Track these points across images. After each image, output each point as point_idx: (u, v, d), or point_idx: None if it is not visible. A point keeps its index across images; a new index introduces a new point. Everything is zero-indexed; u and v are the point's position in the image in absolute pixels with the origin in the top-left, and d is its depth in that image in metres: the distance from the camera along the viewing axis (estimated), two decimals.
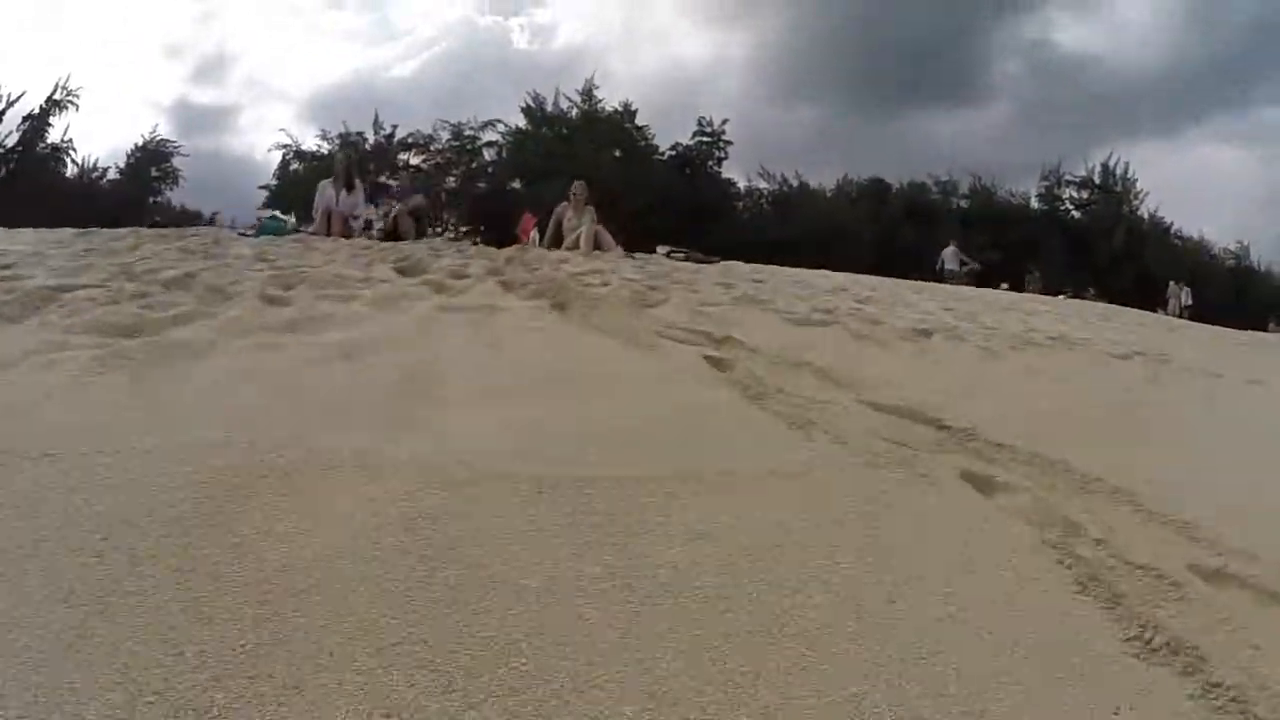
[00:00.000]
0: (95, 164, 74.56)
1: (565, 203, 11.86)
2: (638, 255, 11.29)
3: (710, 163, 68.18)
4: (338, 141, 70.88)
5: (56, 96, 65.79)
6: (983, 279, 35.15)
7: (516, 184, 65.11)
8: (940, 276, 28.21)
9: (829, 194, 77.96)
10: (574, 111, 66.84)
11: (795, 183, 77.47)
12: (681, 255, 12.43)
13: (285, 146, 70.94)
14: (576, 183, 11.76)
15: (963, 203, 78.86)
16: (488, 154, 68.51)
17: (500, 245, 53.06)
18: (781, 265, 56.66)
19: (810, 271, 14.78)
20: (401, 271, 8.30)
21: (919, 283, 16.62)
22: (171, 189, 76.25)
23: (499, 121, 68.55)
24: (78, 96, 66.93)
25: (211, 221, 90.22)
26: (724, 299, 8.77)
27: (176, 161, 74.12)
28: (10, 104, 64.36)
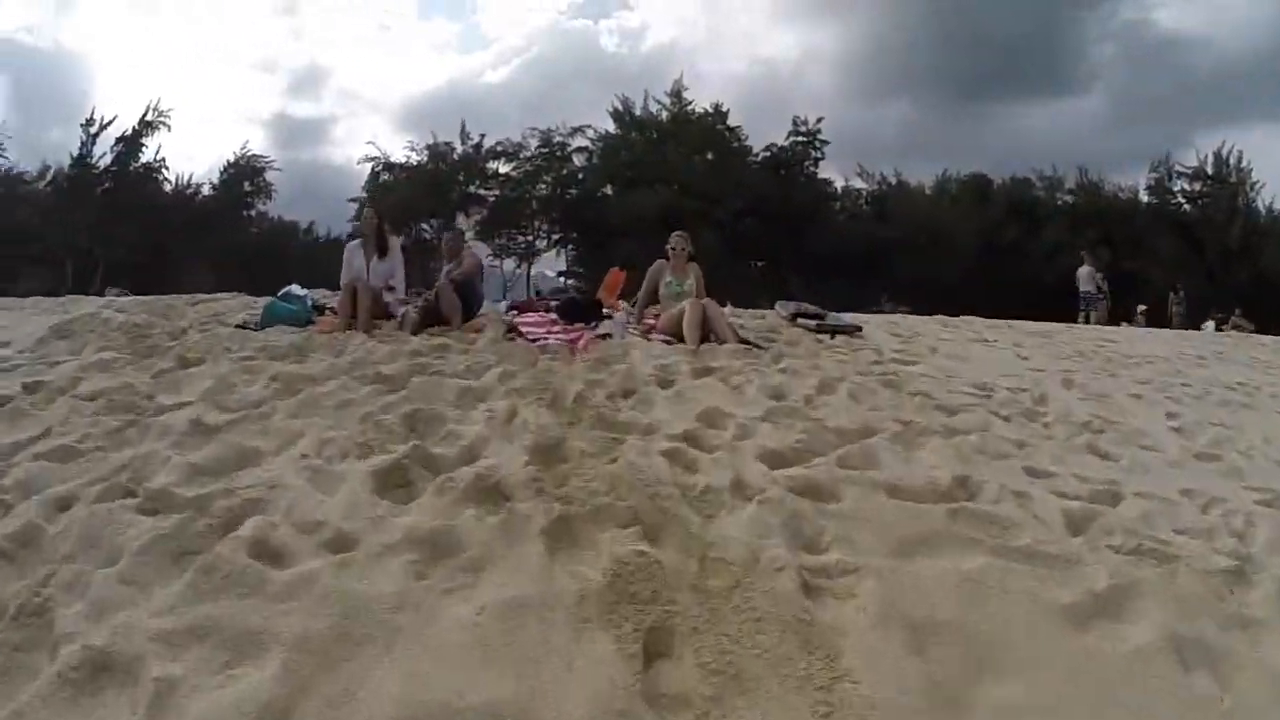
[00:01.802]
0: (190, 180, 77.22)
1: (662, 261, 8.51)
2: (761, 341, 8.06)
3: (806, 163, 64.55)
4: (426, 152, 71.51)
5: (149, 118, 68.01)
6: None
7: (608, 190, 62.60)
8: (1078, 301, 24.48)
9: (928, 192, 74.32)
10: (663, 114, 64.17)
11: (894, 181, 74.26)
12: (812, 324, 9.11)
13: (374, 159, 70.72)
14: (676, 235, 8.53)
15: (1068, 198, 74.08)
16: (578, 160, 66.43)
17: (593, 259, 49.58)
18: (884, 265, 53.07)
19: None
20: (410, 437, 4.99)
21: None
22: (265, 202, 77.91)
23: (588, 127, 66.65)
24: (169, 117, 68.67)
25: (309, 230, 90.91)
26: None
27: (269, 175, 75.64)
28: (103, 127, 67.27)
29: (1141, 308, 28.40)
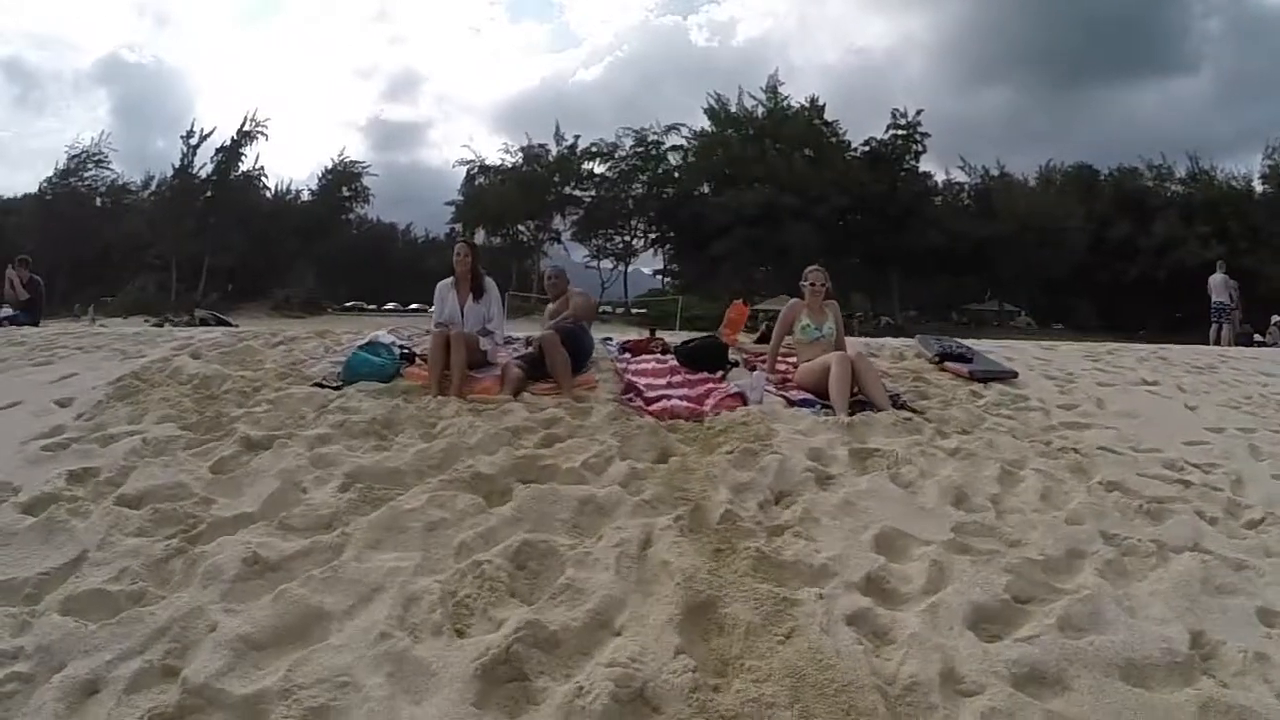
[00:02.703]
0: (289, 186, 79.88)
1: (796, 300, 7.33)
2: (912, 398, 6.82)
3: (906, 157, 62.96)
4: (520, 154, 71.78)
5: (246, 128, 71.95)
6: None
7: (704, 188, 61.58)
8: (1209, 312, 22.44)
9: (1032, 183, 72.65)
10: (759, 110, 63.02)
11: (996, 173, 72.43)
12: (965, 371, 7.89)
13: (469, 162, 71.19)
14: (813, 270, 7.35)
15: (1178, 189, 71.17)
16: (673, 159, 65.66)
17: (690, 257, 48.58)
18: (988, 262, 50.84)
19: None
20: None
21: None
22: (362, 206, 79.69)
23: (682, 125, 65.83)
24: (266, 127, 72.84)
25: (408, 231, 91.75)
26: None
27: (366, 180, 77.56)
28: (203, 138, 71.42)
29: (1276, 319, 26.00)
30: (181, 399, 6.08)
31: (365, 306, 75.47)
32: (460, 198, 70.45)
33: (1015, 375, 8.11)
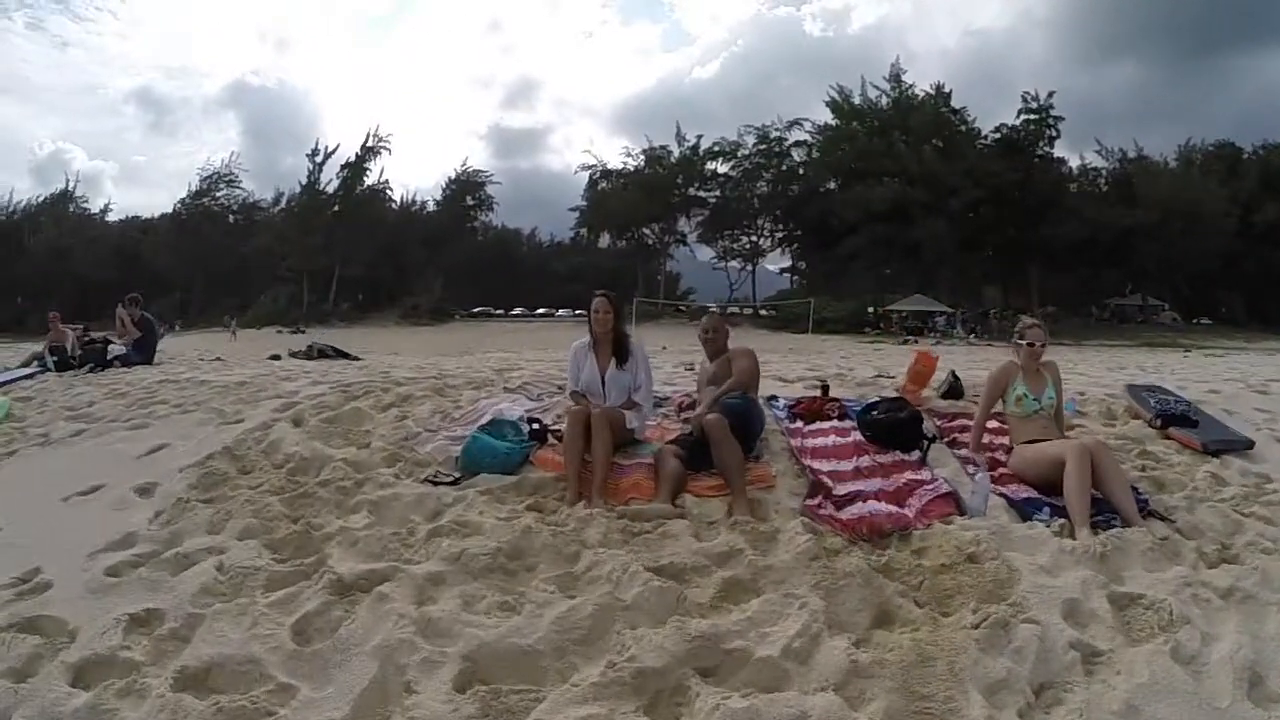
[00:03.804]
0: (414, 197, 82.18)
1: (1009, 362, 5.98)
2: (1147, 487, 5.50)
3: (1040, 143, 60.03)
4: (642, 157, 71.33)
5: (370, 144, 75.45)
6: None
7: (831, 185, 59.86)
8: None
9: (1171, 165, 68.26)
10: (884, 100, 60.87)
11: (1134, 155, 68.05)
12: (1197, 444, 6.52)
13: (591, 167, 71.24)
14: (1032, 326, 5.94)
15: None
16: (797, 155, 64.17)
17: (819, 255, 47.94)
18: (1127, 252, 47.97)
19: None
20: None
21: None
22: (486, 214, 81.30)
23: (805, 119, 64.26)
24: (389, 141, 76.38)
25: (533, 235, 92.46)
26: None
27: (489, 188, 79.42)
28: (328, 155, 75.23)
29: None
30: (270, 499, 5.05)
31: (493, 312, 76.06)
32: (584, 202, 70.26)
33: (1251, 445, 6.72)
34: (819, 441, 6.17)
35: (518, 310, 78.37)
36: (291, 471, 5.59)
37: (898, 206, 52.61)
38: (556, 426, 6.05)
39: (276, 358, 13.70)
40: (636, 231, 68.44)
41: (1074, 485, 4.87)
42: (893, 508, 4.90)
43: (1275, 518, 5.29)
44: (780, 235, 68.01)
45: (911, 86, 61.63)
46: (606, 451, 5.26)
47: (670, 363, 12.64)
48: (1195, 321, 66.23)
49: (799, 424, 6.65)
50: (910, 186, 53.30)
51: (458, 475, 5.41)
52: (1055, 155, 62.30)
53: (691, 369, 10.58)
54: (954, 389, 7.73)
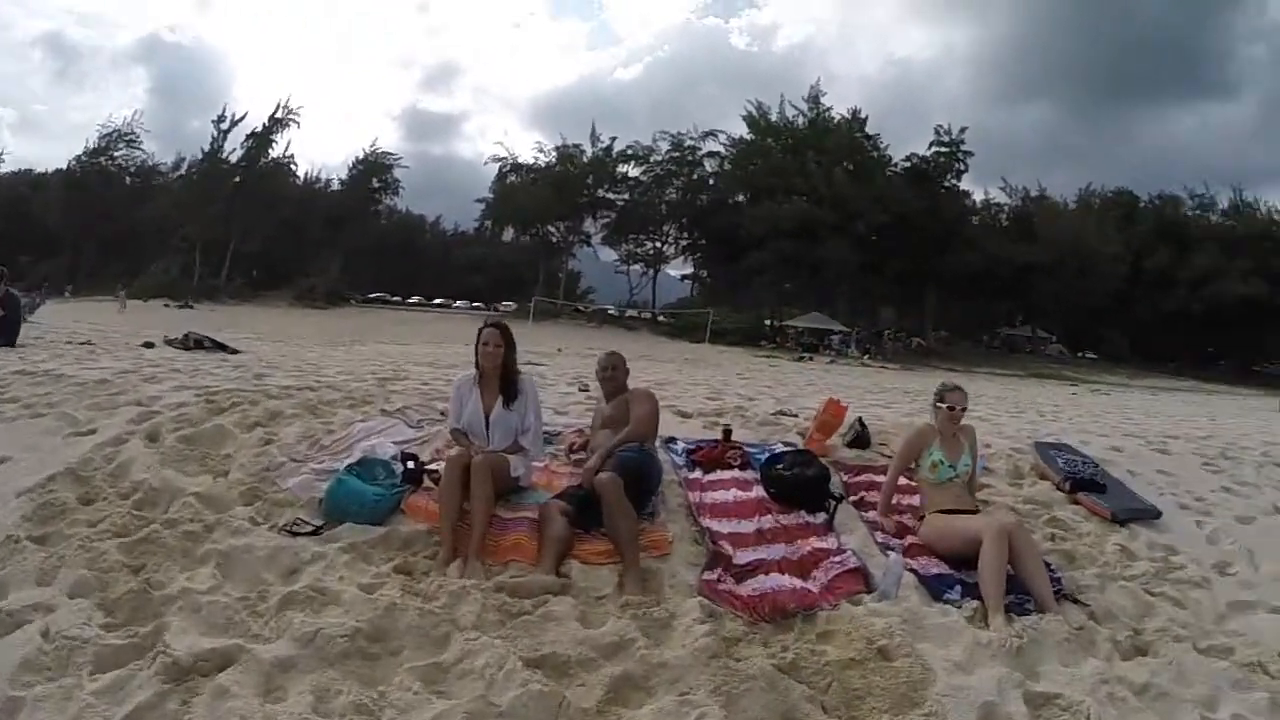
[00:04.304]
0: (319, 174, 79.34)
1: (926, 425, 5.65)
2: (1059, 564, 5.35)
3: (948, 175, 61.42)
4: (554, 154, 70.37)
5: (279, 115, 71.00)
6: None
7: (740, 198, 59.98)
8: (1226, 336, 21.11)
9: (1071, 206, 71.61)
10: (800, 120, 61.21)
11: (1036, 194, 71.74)
12: (1106, 512, 6.38)
13: (501, 159, 69.67)
14: (953, 390, 5.61)
15: (1219, 220, 70.21)
16: (709, 165, 64.03)
17: (722, 267, 48.24)
18: (1024, 286, 49.90)
19: None
20: None
21: None
22: (392, 198, 78.84)
23: (720, 131, 64.24)
24: (298, 114, 71.82)
25: (437, 223, 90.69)
26: None
27: (397, 172, 76.90)
28: (234, 123, 70.90)
29: None
30: (108, 544, 4.39)
31: (389, 298, 74.38)
32: (491, 195, 68.74)
33: (1158, 515, 6.69)
34: (719, 496, 5.76)
35: (415, 299, 76.89)
36: (138, 504, 4.95)
37: (805, 225, 52.55)
38: (434, 466, 5.47)
39: (150, 345, 12.65)
40: (542, 228, 67.15)
41: (990, 569, 4.59)
42: (797, 582, 4.56)
43: (1184, 599, 5.31)
44: (685, 243, 67.63)
45: (829, 109, 61.94)
46: (486, 505, 4.73)
47: (565, 379, 12.02)
48: (1080, 355, 69.60)
49: (698, 473, 6.18)
50: (819, 206, 53.29)
51: (319, 524, 4.83)
52: (961, 188, 63.69)
53: (586, 389, 10.02)
54: (860, 438, 7.39)
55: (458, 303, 77.47)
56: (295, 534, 4.69)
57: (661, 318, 63.21)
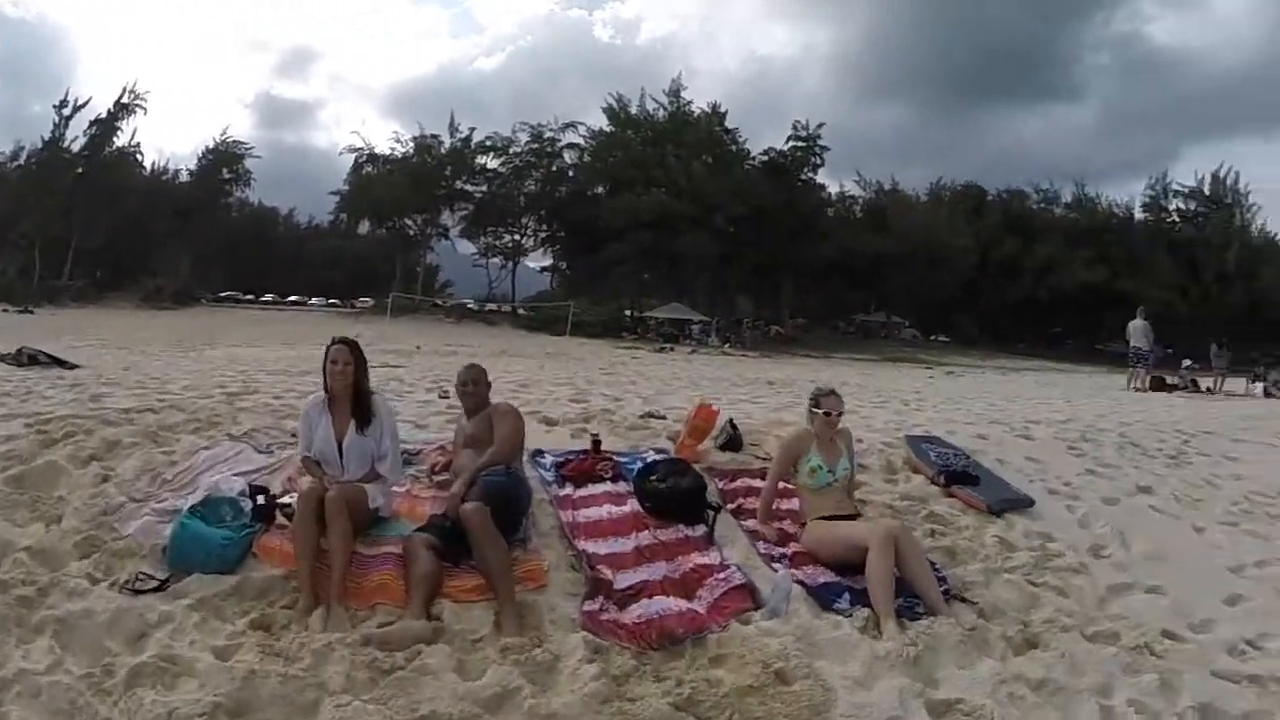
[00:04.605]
0: (167, 165, 74.47)
1: (804, 429, 5.46)
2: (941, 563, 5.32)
3: (805, 169, 62.36)
4: (412, 144, 68.30)
5: (124, 100, 65.79)
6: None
7: (600, 190, 59.73)
8: (1130, 355, 21.95)
9: (923, 199, 74.75)
10: (660, 113, 61.35)
11: (889, 187, 74.47)
12: (983, 505, 6.40)
13: (357, 149, 67.46)
14: (829, 395, 5.43)
15: (1063, 213, 75.08)
16: (569, 156, 63.60)
17: (582, 259, 48.18)
18: (878, 276, 52.04)
19: None
20: None
21: None
22: (242, 190, 75.17)
23: (581, 123, 63.93)
24: (145, 100, 66.74)
25: (290, 215, 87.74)
26: None
27: (249, 162, 72.80)
28: (77, 109, 64.84)
29: (1187, 363, 25.36)
30: None
31: (242, 297, 71.74)
32: (346, 186, 66.44)
33: (1032, 504, 6.81)
34: (593, 513, 5.43)
35: (269, 297, 74.33)
36: None
37: (664, 217, 52.69)
38: (287, 499, 4.86)
39: (23, 312, 11.48)
40: (399, 221, 65.16)
41: (878, 576, 4.47)
42: (683, 604, 4.32)
43: (1066, 586, 5.38)
44: (544, 235, 66.92)
45: (690, 103, 62.01)
46: (345, 543, 4.30)
47: (424, 383, 11.44)
48: (933, 338, 73.00)
49: (569, 489, 5.79)
50: (678, 199, 53.48)
51: (164, 578, 4.26)
52: (818, 181, 64.81)
53: (446, 396, 9.50)
54: (733, 440, 7.14)
55: (313, 300, 75.22)
56: (138, 591, 4.11)
57: (522, 311, 62.43)
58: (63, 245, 60.25)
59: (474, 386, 5.71)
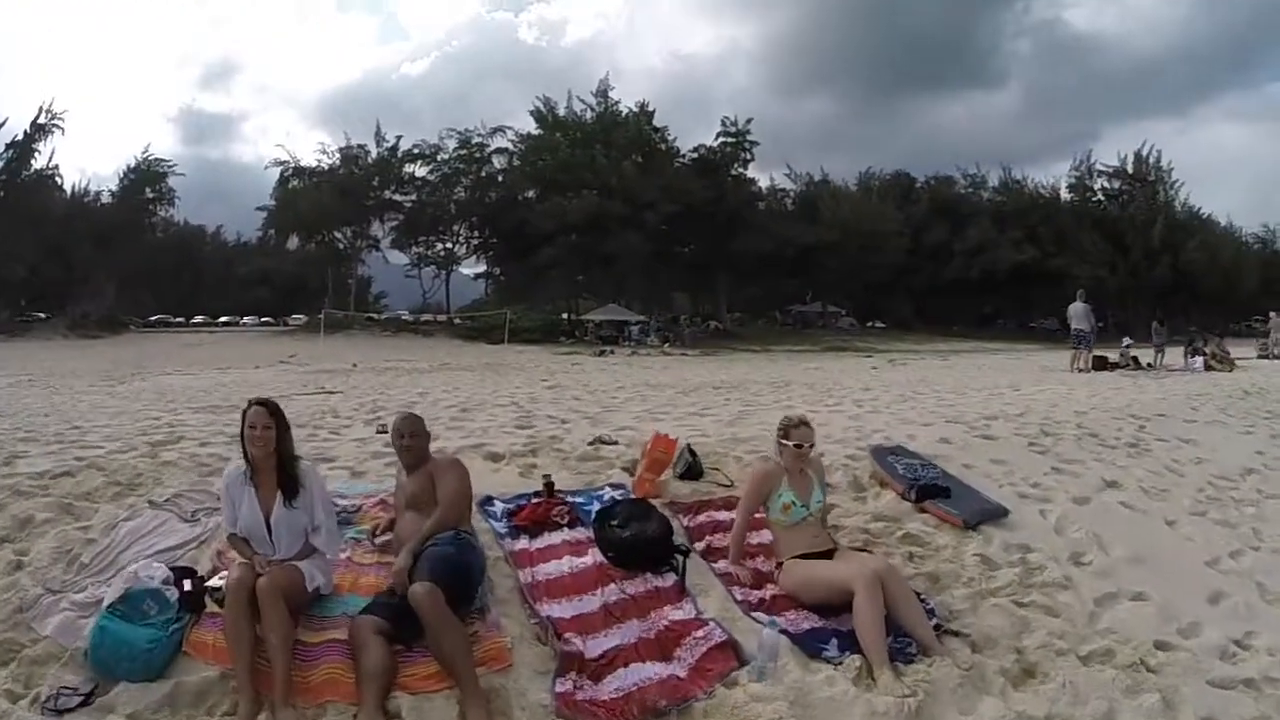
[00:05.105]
0: (86, 187, 71.26)
1: (772, 463, 5.11)
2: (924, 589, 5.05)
3: (735, 165, 62.69)
4: (338, 155, 66.48)
5: (41, 121, 62.26)
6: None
7: (530, 194, 59.20)
8: (1071, 337, 22.11)
9: (853, 189, 75.54)
10: (588, 114, 61.08)
11: (819, 179, 75.36)
12: (959, 519, 6.12)
13: (283, 163, 65.86)
14: (799, 426, 5.06)
15: (990, 196, 77.22)
16: (498, 162, 63.00)
17: (515, 265, 47.82)
18: (812, 265, 52.81)
19: None
20: None
21: None
22: (167, 210, 72.64)
23: (508, 127, 63.43)
24: (63, 119, 63.21)
25: (218, 233, 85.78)
26: None
27: (172, 180, 69.92)
28: None
29: (1126, 341, 25.49)
30: None
31: (171, 320, 70.22)
32: (273, 202, 64.97)
33: (1006, 513, 6.63)
34: (552, 569, 4.99)
35: (199, 319, 72.90)
36: None
37: (595, 218, 52.45)
38: (217, 582, 4.29)
39: None
40: (328, 235, 63.86)
41: (868, 622, 4.19)
42: (662, 669, 3.99)
43: (1054, 605, 5.23)
44: (476, 242, 66.12)
45: (618, 103, 61.78)
46: (285, 636, 3.83)
47: (361, 413, 10.96)
48: (869, 325, 74.38)
49: (524, 541, 5.31)
50: (609, 199, 53.20)
51: (88, 690, 3.75)
52: (748, 175, 65.16)
53: (384, 431, 8.99)
54: (692, 468, 6.74)
55: (245, 319, 74.01)
56: (61, 712, 3.61)
57: (458, 320, 61.70)
58: None
59: (411, 439, 5.06)
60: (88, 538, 5.33)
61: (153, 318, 69.77)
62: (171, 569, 4.52)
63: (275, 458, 4.47)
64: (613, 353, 40.04)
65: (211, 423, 9.97)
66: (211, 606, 4.20)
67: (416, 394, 14.49)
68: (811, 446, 5.17)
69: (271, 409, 4.53)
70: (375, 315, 65.57)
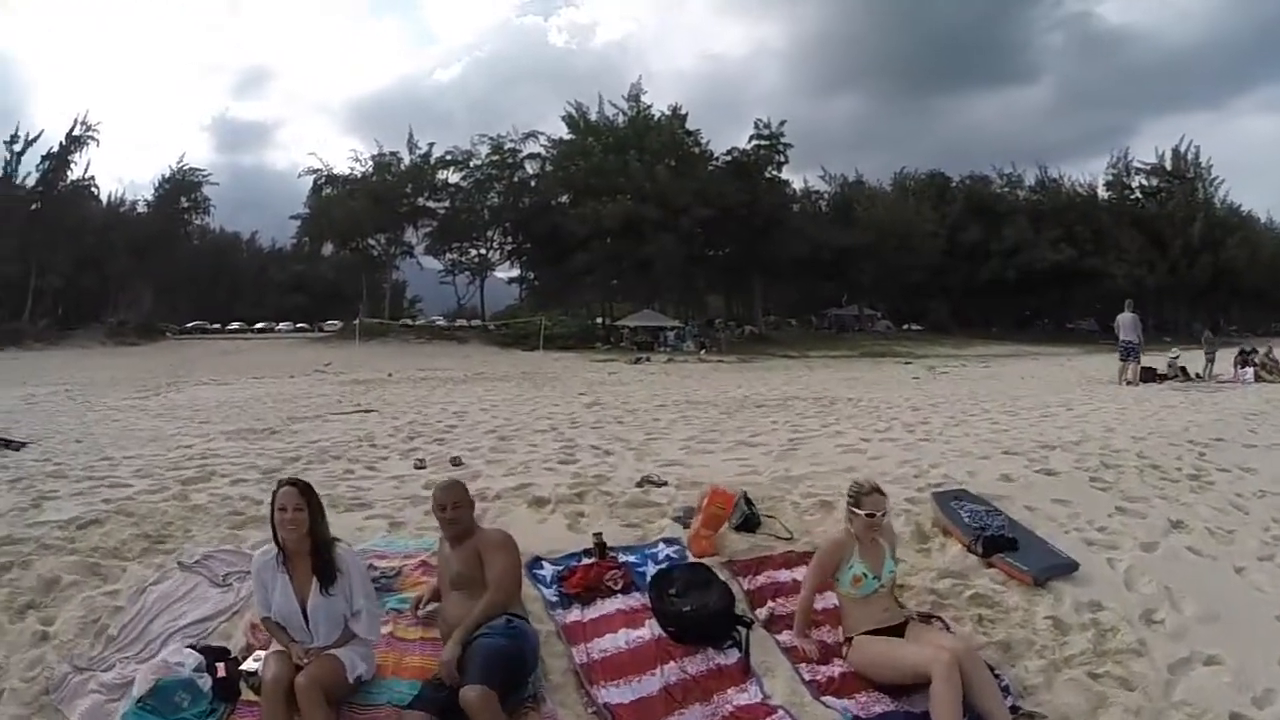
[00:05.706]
0: (124, 196, 72.34)
1: (839, 535, 4.85)
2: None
3: (769, 168, 62.33)
4: (371, 163, 66.79)
5: (76, 133, 63.33)
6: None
7: (564, 199, 59.12)
8: (1119, 348, 21.71)
9: (888, 188, 75.73)
10: (620, 119, 60.98)
11: (853, 180, 75.47)
12: (1029, 576, 5.79)
13: (316, 171, 66.35)
14: (871, 494, 4.78)
15: (1027, 194, 76.72)
16: (530, 167, 63.10)
17: (549, 270, 47.82)
18: (848, 268, 52.87)
19: None
20: None
21: None
22: (202, 218, 73.79)
23: (540, 132, 63.42)
24: (98, 131, 64.30)
25: (252, 240, 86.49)
26: None
27: (206, 189, 71.01)
28: (29, 144, 61.98)
29: (1174, 354, 24.93)
30: None
31: (208, 327, 70.79)
32: (306, 210, 65.35)
33: (1076, 567, 6.29)
34: (608, 644, 4.73)
35: (235, 325, 73.39)
36: None
37: (629, 223, 52.43)
38: (252, 667, 4.12)
39: None
40: (362, 242, 64.26)
41: (946, 711, 3.94)
42: None
43: (1129, 676, 4.96)
44: (510, 248, 66.26)
45: (650, 106, 61.78)
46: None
47: (398, 440, 10.84)
48: (906, 327, 74.47)
49: (576, 611, 5.04)
50: (643, 204, 53.08)
51: None
52: (782, 178, 64.93)
53: (422, 465, 8.84)
54: (749, 520, 6.47)
55: (280, 325, 74.49)
56: None
57: (492, 327, 61.83)
58: (22, 285, 58.42)
59: (455, 511, 4.68)
60: (115, 604, 5.14)
61: (189, 325, 70.38)
62: (202, 650, 4.33)
63: (309, 541, 4.22)
64: (649, 359, 39.90)
65: (244, 453, 9.83)
66: (247, 693, 4.01)
67: (453, 414, 14.31)
68: (884, 515, 4.93)
69: (302, 489, 4.28)
70: (410, 321, 65.73)
